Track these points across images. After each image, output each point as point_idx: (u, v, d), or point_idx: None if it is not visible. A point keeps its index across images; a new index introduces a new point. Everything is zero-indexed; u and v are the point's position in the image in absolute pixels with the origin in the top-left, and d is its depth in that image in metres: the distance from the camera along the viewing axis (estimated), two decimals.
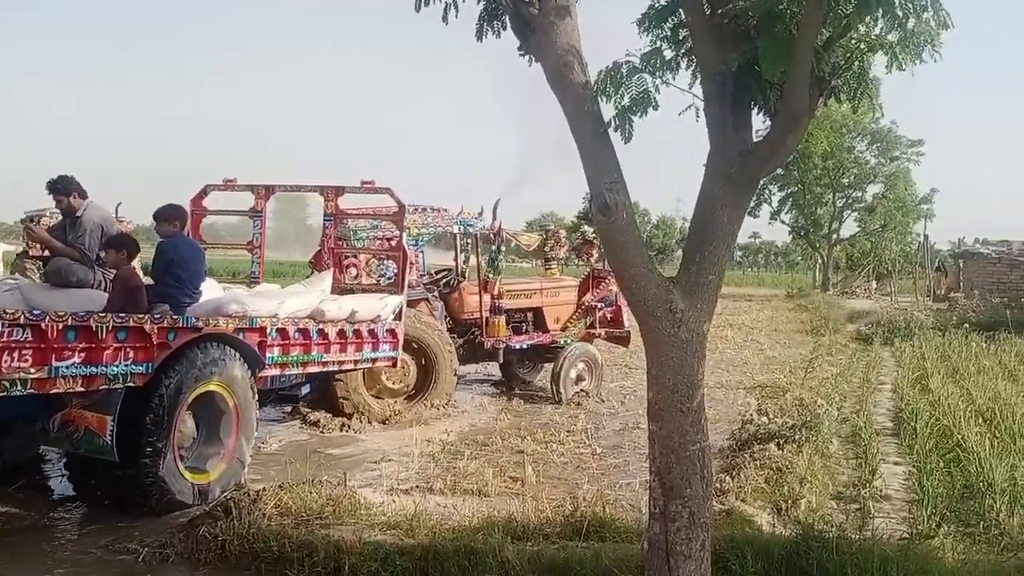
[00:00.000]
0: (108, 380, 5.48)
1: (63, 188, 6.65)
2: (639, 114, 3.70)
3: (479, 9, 4.18)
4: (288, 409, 9.34)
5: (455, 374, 10.17)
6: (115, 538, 5.41)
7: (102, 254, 6.46)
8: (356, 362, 8.35)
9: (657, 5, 3.93)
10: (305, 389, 9.13)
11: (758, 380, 12.86)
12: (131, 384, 5.65)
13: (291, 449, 7.88)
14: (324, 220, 9.45)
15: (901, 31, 3.44)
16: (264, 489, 5.74)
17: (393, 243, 9.36)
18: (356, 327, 8.08)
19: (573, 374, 10.92)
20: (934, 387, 10.35)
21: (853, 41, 3.72)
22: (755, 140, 3.85)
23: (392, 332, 8.66)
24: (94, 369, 5.37)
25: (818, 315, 24.98)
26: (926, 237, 42.63)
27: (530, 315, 11.54)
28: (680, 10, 3.85)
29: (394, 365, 9.08)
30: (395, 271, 9.10)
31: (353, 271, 9.42)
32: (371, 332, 8.30)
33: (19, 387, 5.01)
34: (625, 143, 3.72)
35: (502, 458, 7.66)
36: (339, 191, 9.35)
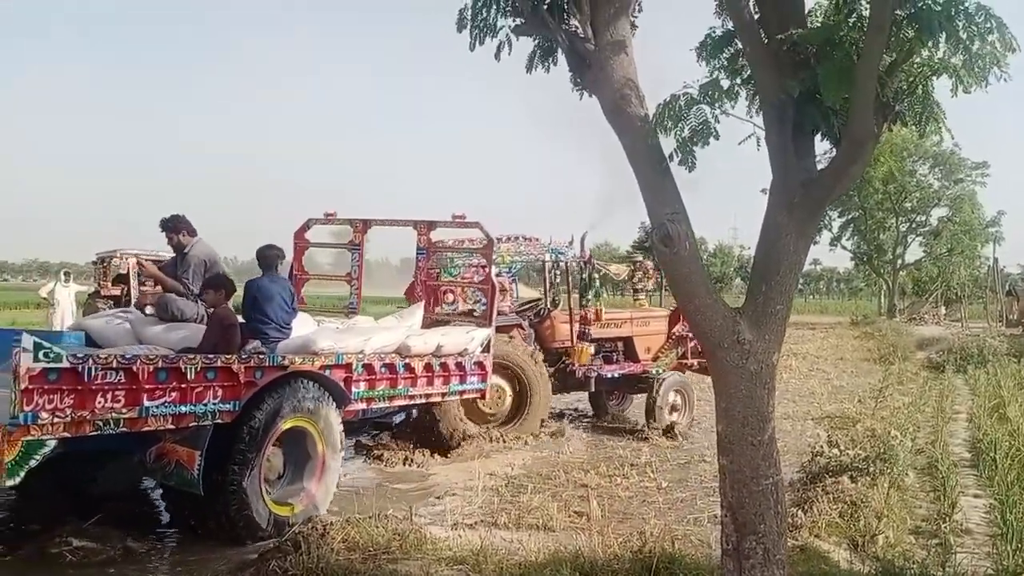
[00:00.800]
0: (197, 418, 5.73)
1: (173, 226, 7.14)
2: (700, 144, 3.70)
3: (532, 45, 4.26)
4: (351, 443, 9.42)
5: (548, 401, 10.36)
6: (188, 572, 5.50)
7: (204, 291, 6.83)
8: (444, 395, 8.44)
9: (714, 35, 3.95)
10: (399, 417, 9.55)
11: (826, 410, 12.55)
12: (219, 421, 5.88)
13: (356, 483, 7.94)
14: (417, 254, 9.69)
15: (965, 54, 3.38)
16: (331, 523, 5.77)
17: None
18: (443, 360, 8.18)
19: (668, 404, 10.93)
20: (1012, 416, 9.96)
21: (916, 65, 3.66)
22: (818, 167, 3.82)
23: (480, 364, 8.75)
24: (183, 408, 5.62)
25: (885, 343, 24.36)
26: (995, 260, 41.33)
27: (621, 345, 11.60)
28: (737, 40, 3.86)
29: (483, 397, 9.11)
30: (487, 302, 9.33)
31: (451, 297, 9.84)
32: (458, 365, 8.39)
33: (112, 426, 5.26)
34: (689, 171, 3.71)
35: (566, 492, 7.59)
36: (431, 225, 9.61)
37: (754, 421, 3.65)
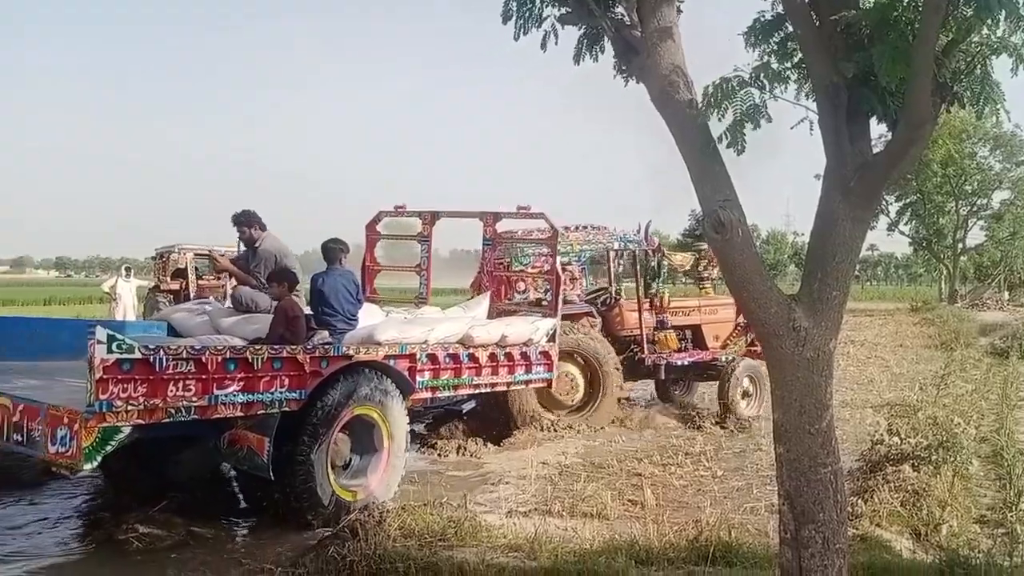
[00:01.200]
0: (265, 405, 5.97)
1: (245, 220, 7.57)
2: (752, 126, 3.65)
3: (578, 34, 4.25)
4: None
5: (620, 389, 10.45)
6: (250, 558, 5.65)
7: (270, 284, 7.17)
8: (509, 384, 8.65)
9: (763, 19, 3.89)
10: (468, 405, 9.85)
11: (886, 398, 12.31)
12: (286, 409, 6.10)
13: (411, 471, 8.03)
14: (483, 244, 10.00)
15: None
16: (388, 511, 5.87)
17: (561, 260, 9.78)
18: (508, 350, 8.35)
19: (740, 391, 10.94)
20: None
21: (974, 45, 3.56)
22: (873, 151, 3.74)
23: (546, 354, 8.90)
24: (251, 396, 5.86)
25: (947, 329, 23.75)
26: None
27: (689, 333, 11.64)
28: (787, 23, 3.80)
29: (549, 386, 9.27)
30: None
31: (522, 285, 10.12)
32: (523, 355, 8.57)
33: (183, 414, 5.52)
34: (738, 155, 3.67)
35: (620, 480, 7.58)
36: (497, 216, 9.90)
37: (811, 409, 3.61)
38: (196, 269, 20.81)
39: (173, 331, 7.68)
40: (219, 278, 20.50)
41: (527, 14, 4.09)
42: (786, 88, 3.92)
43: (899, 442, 7.87)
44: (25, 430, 5.34)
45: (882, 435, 8.39)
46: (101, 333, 5.06)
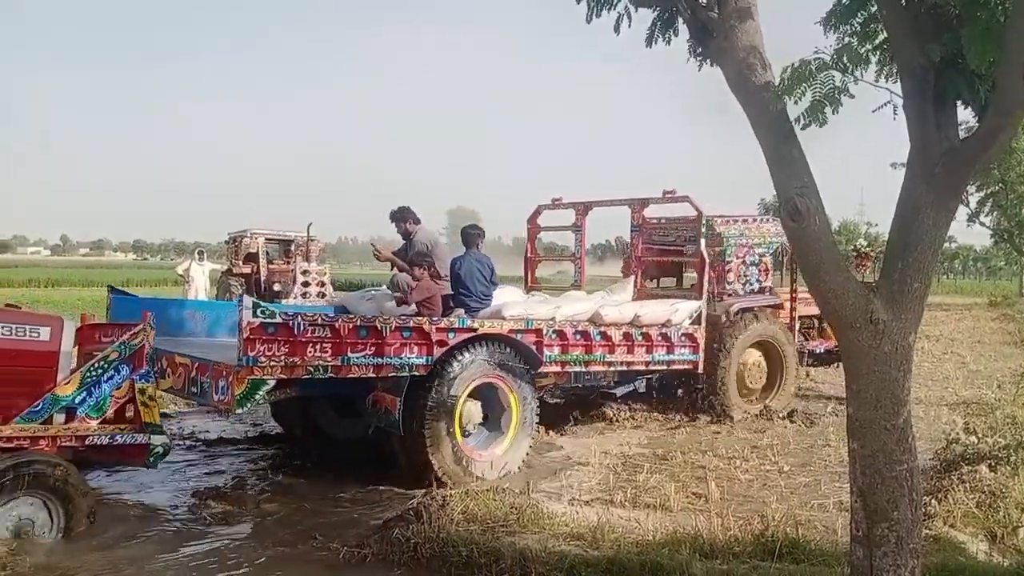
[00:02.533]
0: (395, 368, 6.70)
1: (401, 216, 8.55)
2: (832, 108, 3.54)
3: (652, 16, 4.17)
4: None
5: (798, 376, 11.12)
6: (319, 535, 5.76)
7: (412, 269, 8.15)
8: (647, 363, 9.07)
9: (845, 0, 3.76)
10: (623, 389, 10.44)
11: (962, 396, 11.88)
12: (415, 373, 6.79)
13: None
14: (631, 231, 10.72)
15: None
16: (451, 495, 5.91)
17: (758, 251, 10.80)
18: (645, 331, 8.80)
19: None
20: None
21: None
22: (961, 137, 3.59)
23: (690, 336, 9.35)
24: (382, 360, 6.60)
25: None
26: None
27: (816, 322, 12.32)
28: (870, 3, 3.66)
29: (695, 368, 9.59)
30: (757, 278, 10.62)
31: (731, 276, 10.57)
32: (663, 336, 9.01)
33: (320, 372, 6.33)
34: (820, 127, 3.55)
35: (683, 473, 7.48)
36: (644, 203, 10.56)
37: (888, 404, 3.49)
38: (267, 253, 21.28)
39: (346, 312, 8.45)
40: (288, 262, 20.97)
41: None
42: (866, 71, 3.79)
43: (976, 441, 7.59)
44: (199, 383, 6.40)
45: (958, 434, 8.11)
46: (248, 301, 6.04)
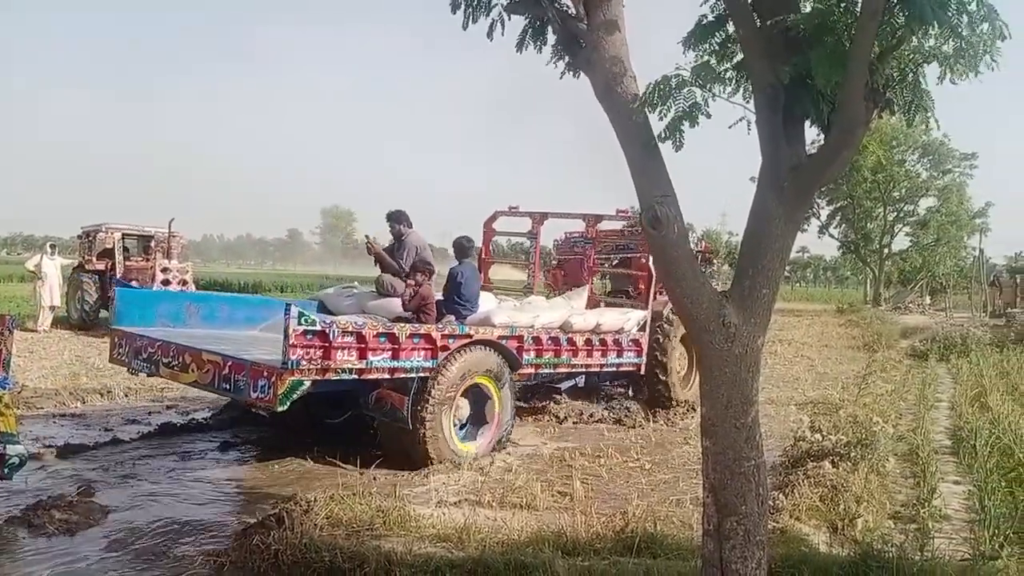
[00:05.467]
0: (406, 371, 7.42)
1: (396, 218, 9.15)
2: (690, 124, 3.69)
3: (524, 24, 4.23)
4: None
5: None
6: (174, 541, 5.52)
7: (412, 273, 8.62)
8: (602, 366, 10.18)
9: (705, 21, 3.93)
10: (567, 384, 11.16)
11: (810, 396, 12.66)
12: (421, 375, 7.51)
13: (341, 462, 7.95)
14: (584, 243, 11.80)
15: (957, 42, 3.37)
16: (315, 499, 5.78)
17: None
18: (602, 337, 9.89)
19: None
20: (993, 405, 10.08)
21: (907, 53, 3.66)
22: (808, 153, 3.82)
23: (636, 342, 10.53)
24: (396, 363, 7.34)
25: (870, 331, 24.55)
26: (981, 251, 41.69)
27: None
28: (728, 24, 3.84)
29: (639, 370, 10.74)
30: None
31: None
32: (616, 341, 10.18)
33: (347, 373, 7.01)
34: (676, 151, 3.70)
35: (550, 472, 7.63)
36: (598, 219, 11.65)
37: (738, 403, 3.67)
38: (126, 249, 20.16)
39: (324, 308, 9.29)
40: (148, 259, 19.95)
41: (475, 2, 4.06)
42: (724, 89, 3.98)
43: (820, 439, 8.11)
44: (232, 380, 6.93)
45: (805, 432, 8.64)
46: (294, 311, 6.53)
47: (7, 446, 5.76)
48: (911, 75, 3.71)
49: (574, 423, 10.34)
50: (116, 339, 8.55)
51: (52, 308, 18.63)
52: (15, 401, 6.04)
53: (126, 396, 11.07)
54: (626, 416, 10.60)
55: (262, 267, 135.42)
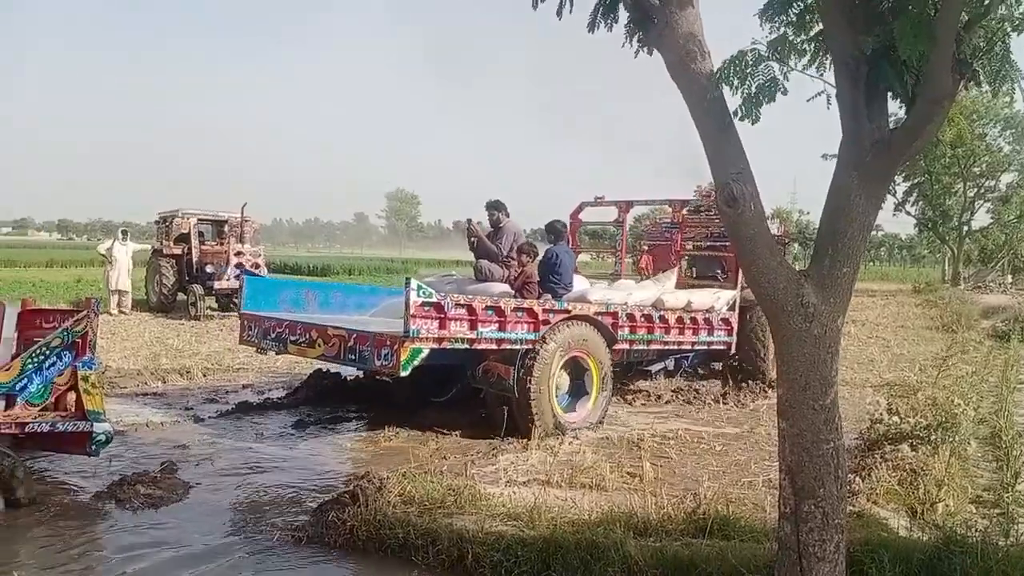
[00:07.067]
0: (511, 343, 7.95)
1: (495, 206, 9.62)
2: (767, 100, 3.60)
3: (595, 1, 4.17)
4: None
5: None
6: (253, 516, 5.69)
7: (514, 255, 9.22)
8: (693, 344, 10.56)
9: None
10: (657, 367, 11.47)
11: (886, 378, 12.33)
12: (525, 347, 8.01)
13: (411, 441, 8.08)
14: (671, 227, 12.19)
15: None
16: (388, 478, 5.89)
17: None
18: (692, 315, 10.25)
19: None
20: None
21: (995, 21, 3.50)
22: (890, 127, 3.70)
23: (726, 321, 10.83)
24: (502, 334, 7.87)
25: (949, 311, 23.72)
26: None
27: None
28: None
29: (729, 349, 11.06)
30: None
31: None
32: (707, 320, 10.51)
33: (460, 343, 7.58)
34: (753, 124, 3.61)
35: (619, 453, 7.61)
36: (684, 203, 12.02)
37: (816, 385, 3.60)
38: (200, 234, 20.72)
39: None
40: (222, 243, 20.48)
41: None
42: (800, 61, 3.87)
43: (898, 422, 7.89)
44: (357, 351, 7.61)
45: (881, 414, 8.42)
46: (414, 284, 7.16)
47: (94, 423, 6.03)
48: (999, 44, 3.55)
49: (642, 404, 10.31)
50: (245, 322, 9.33)
51: (120, 292, 19.18)
52: (101, 381, 6.28)
53: (204, 376, 11.42)
54: (695, 398, 10.52)
55: (330, 250, 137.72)
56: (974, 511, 5.84)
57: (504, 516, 5.35)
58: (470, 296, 7.83)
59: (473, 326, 7.61)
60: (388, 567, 4.98)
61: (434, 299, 7.27)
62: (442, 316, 7.35)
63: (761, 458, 7.47)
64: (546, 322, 8.17)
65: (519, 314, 7.98)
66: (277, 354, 9.18)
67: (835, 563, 3.61)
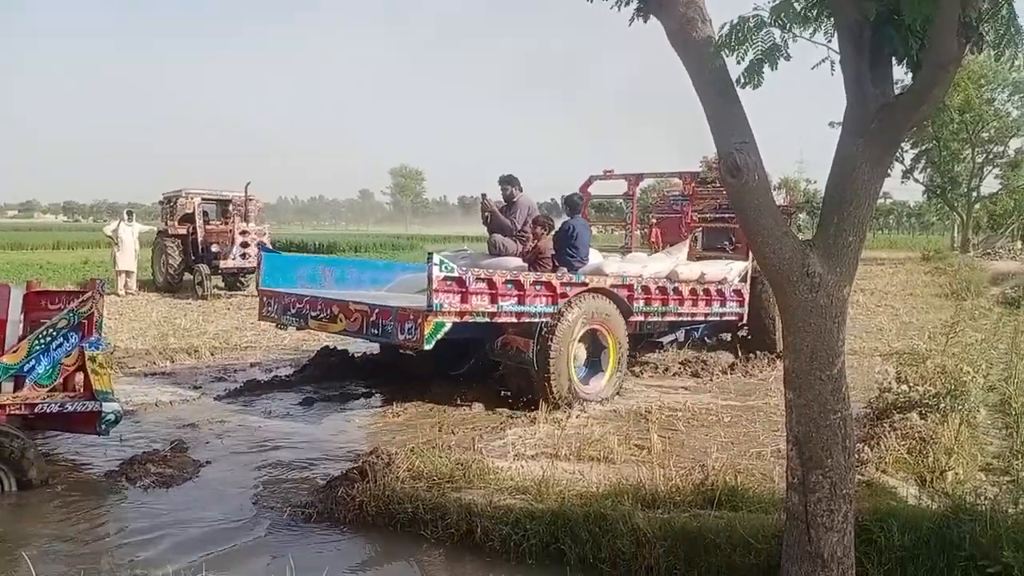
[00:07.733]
0: (530, 316, 8.07)
1: (509, 181, 9.66)
2: (771, 67, 3.54)
3: None
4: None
5: None
6: (263, 496, 5.73)
7: (528, 228, 9.29)
8: (707, 315, 10.72)
9: None
10: (668, 338, 11.69)
11: (895, 347, 12.27)
12: (543, 320, 8.14)
13: (418, 417, 8.10)
14: (681, 200, 12.28)
15: None
16: (396, 453, 5.91)
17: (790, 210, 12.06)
18: (706, 287, 10.36)
19: None
20: None
21: None
22: (896, 93, 3.64)
23: (738, 292, 10.98)
24: (521, 308, 7.98)
25: (958, 278, 23.57)
26: None
27: None
28: None
29: (740, 319, 11.26)
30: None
31: None
32: (719, 292, 10.64)
33: (481, 316, 7.70)
34: (754, 88, 3.56)
35: (627, 425, 7.62)
36: (695, 176, 12.12)
37: (823, 355, 3.57)
38: (204, 214, 20.70)
39: None
40: (226, 223, 20.47)
41: None
42: (803, 28, 3.80)
43: (907, 390, 7.86)
44: (380, 325, 7.71)
45: (890, 383, 8.39)
46: (436, 259, 7.28)
47: (103, 403, 6.06)
48: (1005, 7, 3.47)
49: (650, 376, 10.31)
50: (265, 298, 9.38)
51: (127, 273, 19.23)
52: (109, 361, 6.30)
53: (212, 355, 11.47)
54: (704, 369, 10.50)
55: (335, 228, 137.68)
56: (983, 479, 5.82)
57: (512, 490, 5.37)
58: (491, 271, 7.92)
59: (494, 300, 7.73)
60: (397, 542, 5.02)
61: (456, 274, 7.41)
62: (464, 290, 7.48)
63: (769, 429, 7.47)
64: (564, 295, 8.27)
65: (537, 287, 8.09)
66: (298, 329, 9.19)
67: (843, 533, 3.60)
